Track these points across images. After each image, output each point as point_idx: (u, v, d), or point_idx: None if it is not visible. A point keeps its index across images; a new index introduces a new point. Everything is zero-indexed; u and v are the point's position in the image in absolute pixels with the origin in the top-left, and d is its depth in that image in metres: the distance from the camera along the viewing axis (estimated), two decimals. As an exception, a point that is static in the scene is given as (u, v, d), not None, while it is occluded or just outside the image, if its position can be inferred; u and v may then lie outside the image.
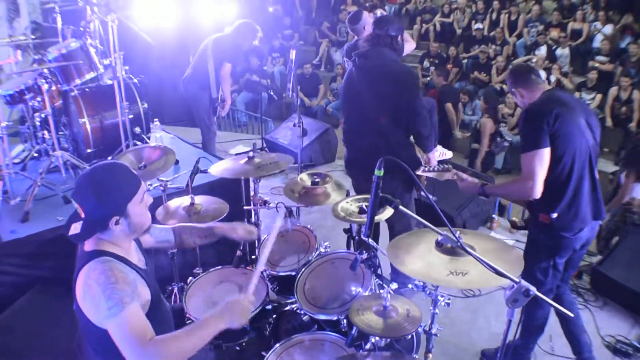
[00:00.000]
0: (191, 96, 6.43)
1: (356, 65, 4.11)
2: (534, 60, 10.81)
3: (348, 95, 4.27)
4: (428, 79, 11.99)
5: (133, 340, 2.14)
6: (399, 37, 4.10)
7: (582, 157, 3.26)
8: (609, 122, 9.57)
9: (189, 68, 6.45)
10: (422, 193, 4.74)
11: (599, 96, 9.80)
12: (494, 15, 12.90)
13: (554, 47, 11.25)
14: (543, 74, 10.53)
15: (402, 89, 3.96)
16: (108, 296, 2.16)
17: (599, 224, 3.51)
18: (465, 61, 12.35)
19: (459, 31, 13.30)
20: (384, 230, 4.57)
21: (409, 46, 5.39)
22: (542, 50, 11.25)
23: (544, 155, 3.22)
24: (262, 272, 3.59)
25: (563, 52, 11.09)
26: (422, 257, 2.57)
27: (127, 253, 2.44)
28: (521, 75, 3.47)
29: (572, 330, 3.82)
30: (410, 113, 3.99)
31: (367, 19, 5.64)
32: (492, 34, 12.46)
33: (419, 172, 3.78)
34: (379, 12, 5.72)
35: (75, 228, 2.33)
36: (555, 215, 3.34)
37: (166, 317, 2.54)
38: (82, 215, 2.31)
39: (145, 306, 2.39)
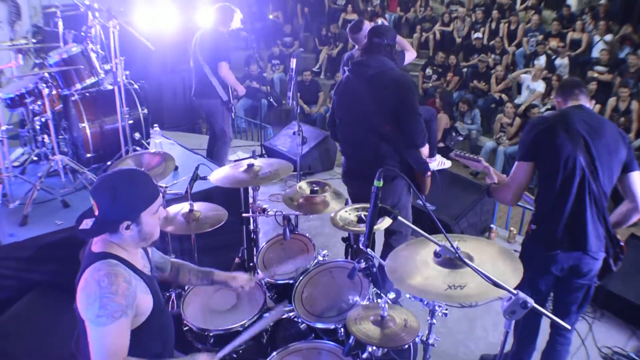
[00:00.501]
0: (205, 108, 6.42)
1: (354, 73, 4.09)
2: (531, 72, 10.81)
3: (345, 104, 4.23)
4: (430, 85, 12.04)
5: (106, 355, 2.20)
6: (396, 45, 4.11)
7: (566, 176, 3.19)
8: (607, 133, 9.58)
9: (194, 81, 6.42)
10: (421, 202, 4.75)
11: (597, 106, 9.81)
12: (494, 25, 12.95)
13: (553, 57, 11.29)
14: (542, 84, 10.57)
15: (402, 95, 3.95)
16: (103, 304, 2.19)
17: (599, 260, 3.31)
18: (464, 70, 12.37)
19: (458, 40, 13.34)
20: (379, 239, 4.58)
21: (410, 55, 5.41)
22: (542, 60, 11.28)
23: (524, 168, 3.31)
24: (261, 281, 3.59)
25: (562, 62, 11.12)
26: (420, 271, 2.57)
27: (133, 258, 2.46)
28: (562, 87, 3.47)
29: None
30: (407, 119, 3.97)
31: (368, 28, 5.66)
32: (491, 43, 12.50)
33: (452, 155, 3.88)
34: (379, 20, 5.73)
35: (87, 224, 2.37)
36: (534, 226, 3.39)
37: (167, 323, 2.55)
38: (96, 213, 2.34)
39: (145, 313, 2.42)
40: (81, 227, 2.37)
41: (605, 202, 3.23)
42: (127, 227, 2.34)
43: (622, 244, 3.34)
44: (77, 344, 2.60)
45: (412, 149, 4.11)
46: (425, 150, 4.17)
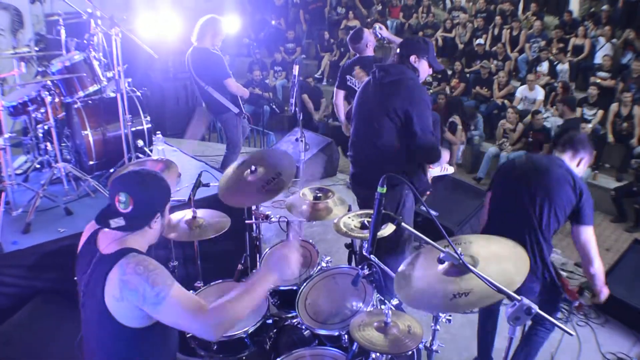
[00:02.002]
0: (220, 120, 6.43)
1: (374, 77, 4.07)
2: (530, 79, 10.77)
3: (360, 107, 4.22)
4: (431, 91, 12.03)
5: (191, 312, 2.23)
6: (415, 56, 3.97)
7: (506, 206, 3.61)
8: (610, 138, 9.59)
9: (202, 101, 6.40)
10: (424, 208, 4.73)
11: (600, 112, 9.82)
12: (496, 31, 12.95)
13: (555, 63, 11.28)
14: (541, 91, 10.59)
15: (413, 107, 3.86)
16: (153, 282, 2.23)
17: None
18: (467, 76, 12.35)
19: (460, 46, 13.34)
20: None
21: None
22: (544, 66, 11.29)
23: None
24: None
25: (563, 67, 11.11)
26: (426, 282, 2.58)
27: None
28: (561, 137, 3.74)
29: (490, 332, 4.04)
30: (414, 131, 3.91)
31: (369, 36, 5.68)
32: (493, 49, 12.50)
33: None
34: (377, 26, 5.77)
35: (117, 222, 2.38)
36: None
37: (172, 330, 2.54)
38: (130, 208, 2.36)
39: None
40: (113, 226, 2.38)
41: (538, 234, 3.44)
42: (156, 220, 2.45)
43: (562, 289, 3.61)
44: (79, 347, 2.61)
45: (416, 167, 4.11)
46: (445, 156, 4.19)
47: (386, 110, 3.93)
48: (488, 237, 2.92)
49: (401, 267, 2.85)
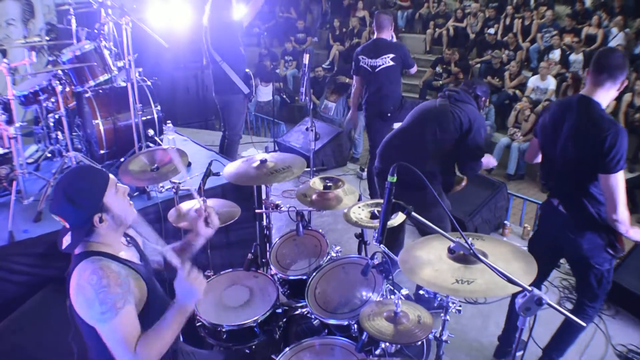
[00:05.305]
0: (222, 104, 6.32)
1: (443, 96, 4.27)
2: (542, 65, 10.70)
3: (417, 115, 4.36)
4: (440, 83, 11.96)
5: (123, 344, 2.21)
6: (484, 99, 4.31)
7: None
8: (623, 129, 9.50)
9: (212, 79, 6.37)
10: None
11: (613, 102, 9.73)
12: (508, 20, 12.86)
13: (567, 53, 11.20)
14: (553, 80, 10.50)
15: (472, 133, 4.08)
16: (102, 300, 2.20)
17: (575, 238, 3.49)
18: (478, 66, 12.29)
19: (472, 36, 13.26)
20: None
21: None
22: (556, 54, 11.22)
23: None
24: (271, 274, 3.58)
25: (576, 57, 11.02)
26: (432, 264, 2.57)
27: (115, 250, 2.46)
28: (593, 64, 3.29)
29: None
30: (468, 152, 4.16)
31: (389, 22, 5.76)
32: (505, 39, 12.41)
33: None
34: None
35: (67, 240, 2.37)
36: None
37: (164, 307, 2.52)
38: (67, 226, 2.35)
39: (142, 300, 2.43)
40: (64, 247, 2.37)
41: (564, 184, 3.45)
42: (101, 220, 2.35)
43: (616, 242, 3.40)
44: (74, 340, 2.62)
45: (453, 173, 4.31)
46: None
47: (447, 127, 4.10)
48: (500, 240, 2.90)
49: (411, 243, 2.86)
